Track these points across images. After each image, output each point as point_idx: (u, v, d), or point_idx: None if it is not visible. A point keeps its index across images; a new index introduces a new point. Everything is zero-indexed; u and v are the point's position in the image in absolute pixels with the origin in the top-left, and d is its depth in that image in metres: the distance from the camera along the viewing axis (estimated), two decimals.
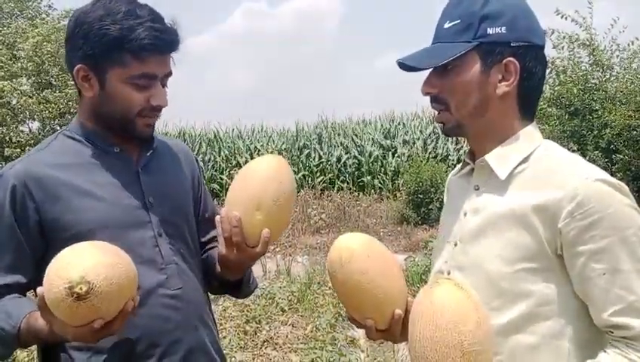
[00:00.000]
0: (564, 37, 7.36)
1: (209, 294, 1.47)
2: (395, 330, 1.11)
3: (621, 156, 6.82)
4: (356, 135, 14.63)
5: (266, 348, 4.09)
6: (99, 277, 0.97)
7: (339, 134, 14.84)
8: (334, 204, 10.69)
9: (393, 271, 1.11)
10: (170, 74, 1.30)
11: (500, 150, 1.09)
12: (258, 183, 1.18)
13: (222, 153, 14.34)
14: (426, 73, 1.12)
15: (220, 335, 4.12)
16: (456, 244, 1.13)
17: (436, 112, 1.14)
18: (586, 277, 0.98)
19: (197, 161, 1.54)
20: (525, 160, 1.07)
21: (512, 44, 1.05)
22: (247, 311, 4.74)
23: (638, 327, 0.95)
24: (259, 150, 14.25)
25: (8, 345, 1.19)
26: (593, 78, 7.43)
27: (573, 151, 5.71)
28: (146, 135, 1.32)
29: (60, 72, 9.14)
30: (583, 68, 7.45)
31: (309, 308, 4.85)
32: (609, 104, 6.89)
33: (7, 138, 9.03)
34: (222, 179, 13.40)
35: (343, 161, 13.67)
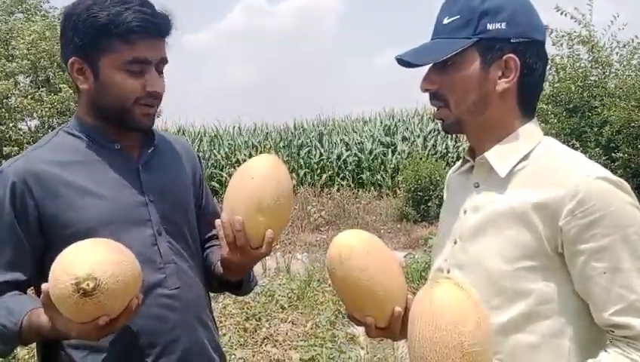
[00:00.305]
0: (562, 35, 7.35)
1: (209, 293, 1.46)
2: (394, 328, 1.11)
3: (621, 153, 6.81)
4: (356, 132, 14.62)
5: (265, 345, 4.09)
6: (105, 274, 0.98)
7: (339, 132, 14.83)
8: (334, 201, 10.69)
9: (393, 268, 1.10)
10: (165, 60, 1.29)
11: (500, 147, 1.08)
12: (257, 184, 1.17)
13: (221, 151, 14.34)
14: (425, 69, 1.10)
15: (220, 333, 4.12)
16: (455, 242, 1.12)
17: (435, 109, 1.13)
18: (587, 276, 0.97)
19: (199, 158, 1.53)
20: (525, 157, 1.06)
21: (512, 40, 1.04)
22: (247, 308, 4.74)
23: (639, 327, 0.94)
24: (257, 147, 14.25)
25: (10, 342, 1.18)
26: (592, 75, 7.42)
27: (576, 148, 5.71)
28: (145, 125, 1.30)
29: (58, 70, 9.14)
30: (582, 65, 7.44)
31: (309, 305, 4.86)
32: (609, 100, 6.89)
33: (6, 136, 9.02)
34: (222, 176, 13.40)
35: (343, 158, 13.67)
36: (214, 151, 14.41)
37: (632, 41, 7.23)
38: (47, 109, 8.91)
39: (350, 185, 12.87)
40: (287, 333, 4.28)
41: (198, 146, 14.45)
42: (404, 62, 1.09)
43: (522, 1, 1.07)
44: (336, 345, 3.96)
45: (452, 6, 1.08)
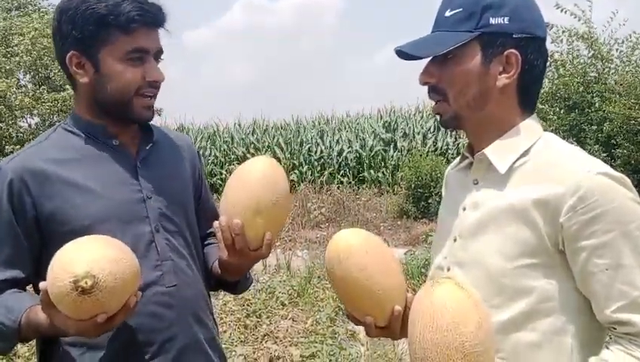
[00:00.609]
0: (563, 31, 7.34)
1: (208, 290, 1.46)
2: (394, 327, 1.10)
3: (621, 150, 6.81)
4: (356, 129, 14.61)
5: (266, 341, 4.10)
6: (104, 272, 0.98)
7: (339, 129, 14.81)
8: (334, 198, 10.69)
9: (392, 267, 1.09)
10: (161, 51, 1.29)
11: (500, 143, 1.07)
12: (256, 187, 1.17)
13: (222, 148, 14.33)
14: (424, 62, 1.09)
15: (221, 330, 4.15)
16: (455, 240, 1.11)
17: (434, 103, 1.11)
18: (589, 273, 0.96)
19: (199, 154, 1.53)
20: (525, 153, 1.05)
21: (514, 36, 1.03)
22: (248, 305, 4.74)
23: None
24: (256, 145, 14.24)
25: (9, 340, 1.19)
26: (592, 72, 7.41)
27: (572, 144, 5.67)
28: (146, 117, 1.30)
29: (59, 70, 9.14)
30: (582, 61, 7.43)
31: (309, 301, 4.86)
32: (609, 96, 6.88)
33: (6, 134, 9.02)
34: (222, 173, 13.39)
35: (343, 155, 13.66)
36: (214, 148, 14.40)
37: (631, 37, 7.22)
38: (47, 107, 8.91)
39: (350, 182, 12.87)
40: (287, 330, 4.28)
41: (199, 143, 14.43)
42: (403, 54, 1.08)
43: None
44: (336, 342, 3.96)
45: None
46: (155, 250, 1.28)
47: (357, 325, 1.15)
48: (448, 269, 1.11)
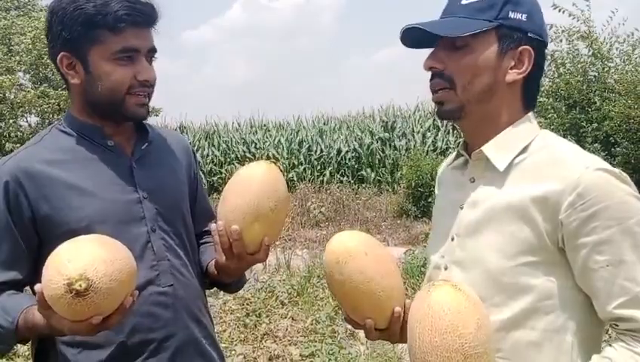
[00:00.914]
0: (562, 31, 7.33)
1: (204, 290, 1.46)
2: (394, 329, 1.09)
3: (620, 148, 6.81)
4: (356, 128, 14.60)
5: (265, 341, 4.10)
6: (98, 274, 0.96)
7: (339, 128, 14.80)
8: (334, 197, 10.68)
9: (390, 268, 1.09)
10: (154, 50, 1.29)
11: (498, 141, 1.06)
12: (254, 194, 1.16)
13: (221, 147, 14.33)
14: (425, 55, 1.08)
15: (220, 329, 4.14)
16: (453, 238, 1.10)
17: (435, 91, 1.08)
18: (589, 270, 0.96)
19: (194, 153, 1.52)
20: (523, 151, 1.05)
21: (529, 34, 1.03)
22: (247, 304, 4.74)
23: None
24: (256, 145, 14.23)
25: (7, 341, 1.19)
26: (592, 71, 7.41)
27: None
28: (140, 115, 1.29)
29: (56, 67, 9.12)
30: (582, 60, 7.43)
31: (309, 301, 4.86)
32: (609, 95, 6.88)
33: (5, 133, 9.01)
34: (221, 173, 13.39)
35: (342, 154, 13.65)
36: (213, 147, 14.40)
37: (632, 35, 7.21)
38: (52, 104, 8.89)
39: (350, 181, 12.86)
40: (287, 329, 4.28)
41: (198, 143, 14.43)
42: (408, 39, 1.06)
43: (538, 2, 1.08)
44: (336, 341, 3.96)
45: None
46: (151, 250, 1.28)
47: (356, 329, 1.14)
48: (446, 268, 1.11)
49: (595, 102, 7.07)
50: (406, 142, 13.45)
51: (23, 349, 3.58)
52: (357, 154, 13.70)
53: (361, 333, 4.02)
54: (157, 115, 12.13)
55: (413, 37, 1.07)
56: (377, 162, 13.40)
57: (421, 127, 14.04)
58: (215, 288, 1.52)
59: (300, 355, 3.79)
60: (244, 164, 1.44)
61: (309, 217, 9.62)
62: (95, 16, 1.19)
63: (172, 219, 1.34)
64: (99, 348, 1.22)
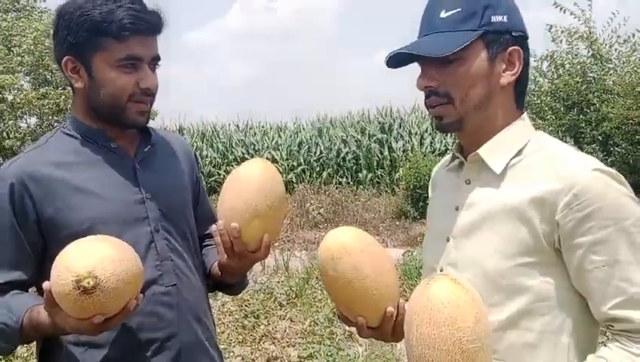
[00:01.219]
0: (562, 31, 7.35)
1: (207, 290, 1.46)
2: (386, 328, 1.08)
3: (619, 149, 6.82)
4: (355, 130, 14.60)
5: (264, 342, 4.09)
6: (106, 273, 0.98)
7: (338, 129, 14.80)
8: (332, 198, 10.67)
9: (386, 267, 1.08)
10: (157, 58, 1.29)
11: (493, 143, 1.06)
12: (252, 191, 1.17)
13: (219, 148, 14.32)
14: (413, 68, 1.08)
15: (219, 330, 4.14)
16: (448, 240, 1.10)
17: (432, 107, 1.07)
18: (585, 270, 0.96)
19: (196, 156, 1.54)
20: (519, 152, 1.05)
21: (513, 34, 1.03)
22: (246, 305, 4.73)
23: (639, 320, 0.93)
24: (255, 146, 14.23)
25: (11, 340, 1.19)
26: (591, 72, 7.42)
27: (570, 145, 5.69)
28: (140, 123, 1.30)
29: (57, 69, 9.12)
30: (581, 60, 7.45)
31: (307, 302, 4.85)
32: (608, 96, 6.89)
33: (4, 134, 9.01)
34: (219, 174, 13.38)
35: (341, 155, 13.65)
36: (212, 149, 14.39)
37: (633, 36, 7.22)
38: (49, 106, 8.89)
39: (349, 183, 12.86)
40: (285, 331, 4.28)
41: (197, 144, 14.42)
42: (393, 61, 1.06)
43: None
44: (334, 343, 3.96)
45: None
46: (154, 250, 1.29)
47: (348, 326, 1.14)
48: (442, 270, 1.11)
49: (594, 104, 7.08)
50: (404, 144, 13.45)
51: (22, 350, 3.57)
52: (356, 156, 13.70)
53: None
54: (153, 119, 12.14)
55: (398, 57, 1.06)
56: (376, 163, 13.40)
57: (419, 129, 14.05)
58: (217, 291, 1.53)
59: (299, 357, 3.78)
60: None
61: (307, 218, 9.62)
62: (100, 23, 1.20)
63: (175, 220, 1.35)
64: (104, 347, 1.23)
